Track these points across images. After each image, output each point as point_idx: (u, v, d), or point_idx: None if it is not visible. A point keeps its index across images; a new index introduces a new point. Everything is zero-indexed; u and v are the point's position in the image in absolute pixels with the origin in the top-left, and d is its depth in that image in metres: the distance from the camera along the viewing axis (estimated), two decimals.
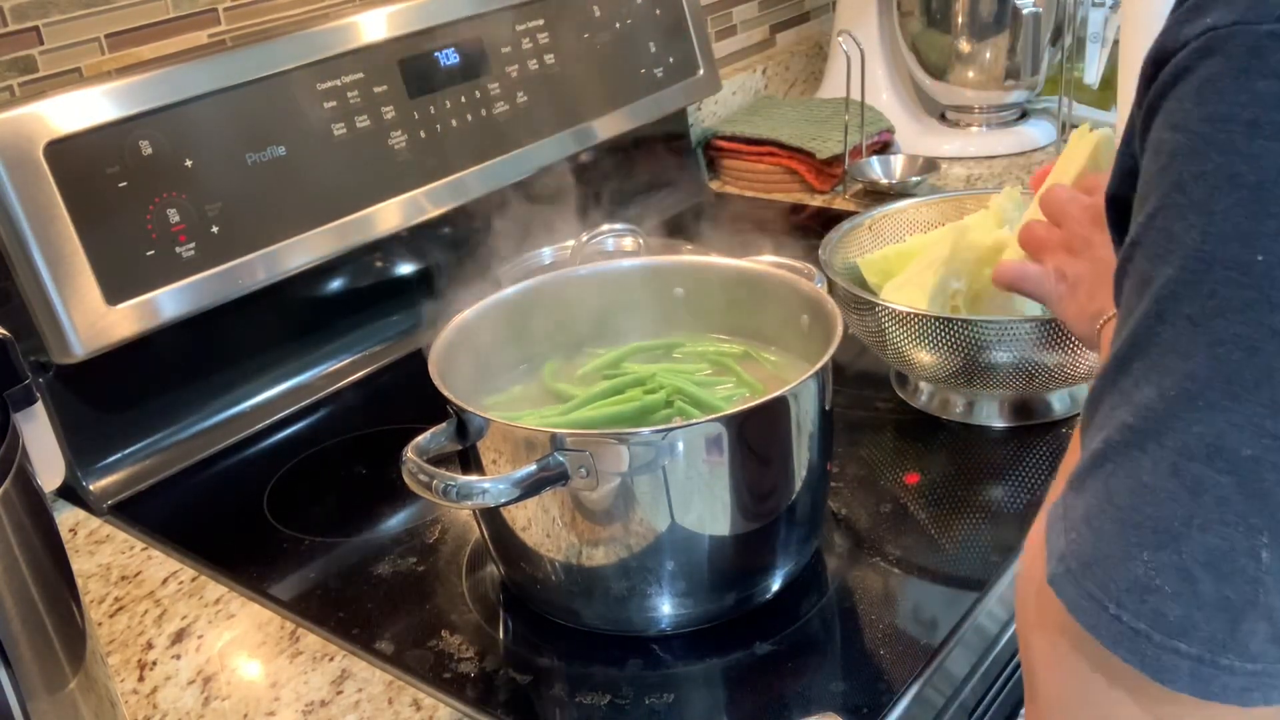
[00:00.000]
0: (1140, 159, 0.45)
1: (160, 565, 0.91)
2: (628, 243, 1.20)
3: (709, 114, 1.66)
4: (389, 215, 1.12)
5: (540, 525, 0.75)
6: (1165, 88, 0.43)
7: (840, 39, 1.56)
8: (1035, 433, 0.97)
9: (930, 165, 1.50)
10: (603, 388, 0.84)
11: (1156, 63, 0.44)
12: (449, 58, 1.18)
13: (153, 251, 0.96)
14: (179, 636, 0.83)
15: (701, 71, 1.47)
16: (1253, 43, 0.39)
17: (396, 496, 0.93)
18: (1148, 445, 0.41)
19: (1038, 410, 0.98)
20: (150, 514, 0.97)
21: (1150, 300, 0.42)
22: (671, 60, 1.43)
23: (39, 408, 0.59)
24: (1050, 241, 0.82)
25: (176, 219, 0.97)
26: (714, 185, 1.61)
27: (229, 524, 0.96)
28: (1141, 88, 0.45)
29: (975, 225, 0.97)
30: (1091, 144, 0.87)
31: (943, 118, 1.69)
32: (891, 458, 0.96)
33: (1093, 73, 1.49)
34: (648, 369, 0.87)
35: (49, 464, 0.61)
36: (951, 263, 0.94)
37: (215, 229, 0.99)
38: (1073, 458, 0.49)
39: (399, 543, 0.90)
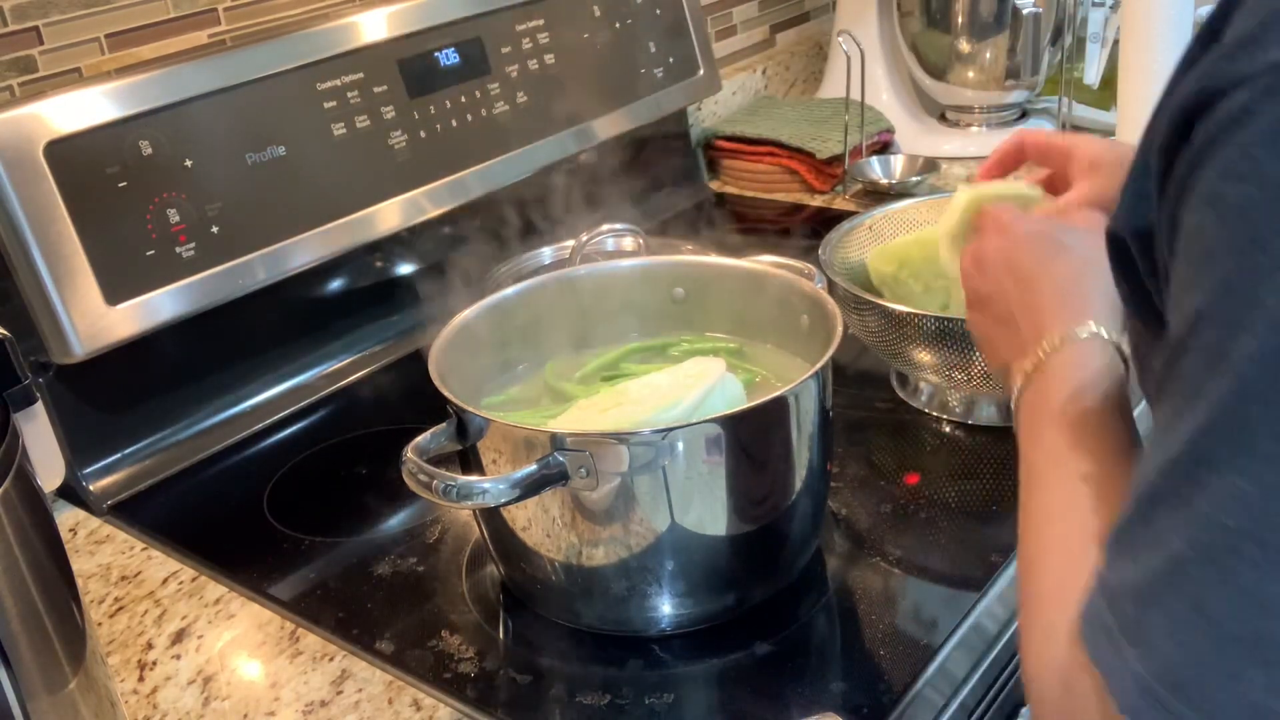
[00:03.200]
0: (1170, 212, 0.41)
1: (160, 565, 0.91)
2: (628, 243, 1.20)
3: (709, 114, 1.66)
4: (389, 215, 1.12)
5: (540, 525, 0.75)
6: (1219, 134, 0.38)
7: (840, 39, 1.56)
8: None
9: (930, 165, 1.50)
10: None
11: (1196, 108, 0.39)
12: (449, 58, 1.18)
13: (153, 251, 0.96)
14: (179, 636, 0.83)
15: (701, 71, 1.47)
16: None
17: (396, 496, 0.93)
18: (1244, 549, 0.36)
19: None
20: (150, 514, 0.97)
21: (1233, 379, 0.36)
22: (671, 60, 1.43)
23: (39, 408, 0.59)
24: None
25: (176, 219, 0.97)
26: (714, 185, 1.61)
27: (229, 524, 0.96)
28: (1168, 134, 0.41)
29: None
30: (962, 205, 0.82)
31: (943, 118, 1.69)
32: (891, 458, 0.96)
33: (1093, 73, 1.49)
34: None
35: (49, 464, 0.61)
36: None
37: (215, 229, 0.99)
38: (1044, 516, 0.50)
39: (399, 543, 0.90)
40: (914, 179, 1.49)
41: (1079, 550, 0.48)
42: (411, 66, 1.14)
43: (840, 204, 1.51)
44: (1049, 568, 0.50)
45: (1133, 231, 0.45)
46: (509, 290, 0.90)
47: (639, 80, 1.39)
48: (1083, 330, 0.58)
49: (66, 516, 0.97)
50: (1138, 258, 0.45)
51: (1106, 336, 0.57)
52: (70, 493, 0.98)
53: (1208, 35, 0.41)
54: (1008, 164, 0.87)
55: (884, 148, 1.59)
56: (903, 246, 1.01)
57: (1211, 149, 0.38)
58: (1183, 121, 0.40)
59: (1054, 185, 0.83)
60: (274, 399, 1.11)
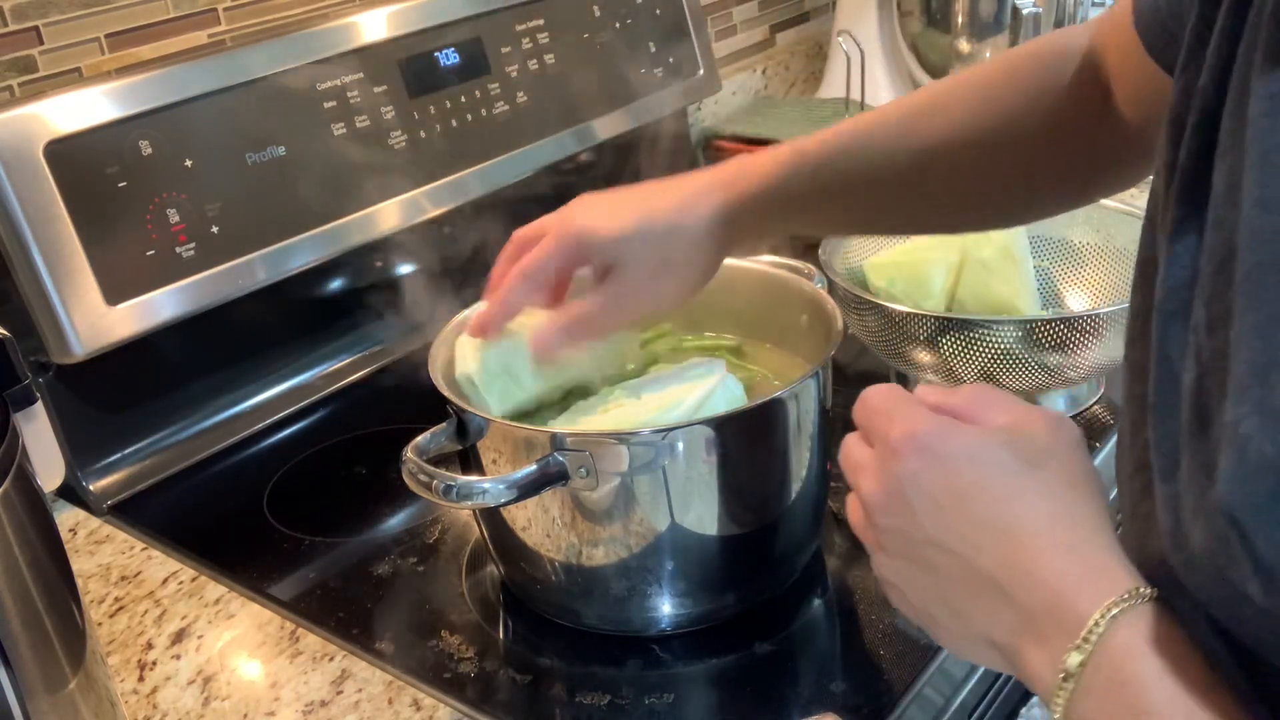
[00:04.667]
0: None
1: (160, 565, 0.91)
2: None
3: (709, 114, 1.66)
4: (389, 215, 1.12)
5: (540, 525, 0.75)
6: None
7: (840, 39, 1.56)
8: None
9: None
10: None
11: None
12: (449, 58, 1.18)
13: (153, 251, 0.96)
14: (179, 636, 0.83)
15: (701, 71, 1.47)
16: None
17: (396, 496, 0.93)
18: None
19: None
20: (150, 514, 0.97)
21: None
22: (671, 60, 1.43)
23: (39, 408, 0.59)
24: (863, 533, 0.53)
25: (176, 219, 0.97)
26: None
27: (229, 524, 0.96)
28: None
29: (976, 234, 0.97)
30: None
31: None
32: None
33: None
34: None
35: (49, 464, 0.61)
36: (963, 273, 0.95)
37: (215, 229, 0.99)
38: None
39: (399, 543, 0.90)
40: None
41: None
42: (411, 66, 1.14)
43: None
44: None
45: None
46: None
47: (639, 80, 1.39)
48: (1127, 589, 0.43)
49: (66, 516, 0.97)
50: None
51: (1150, 593, 0.43)
52: (70, 493, 0.98)
53: None
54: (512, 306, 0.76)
55: None
56: (892, 260, 1.01)
57: None
58: None
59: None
60: (274, 399, 1.11)
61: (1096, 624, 0.42)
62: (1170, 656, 0.42)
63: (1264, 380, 0.37)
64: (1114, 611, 0.42)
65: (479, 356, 0.78)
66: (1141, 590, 0.43)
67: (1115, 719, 0.42)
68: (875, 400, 0.51)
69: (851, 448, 0.52)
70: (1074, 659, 0.43)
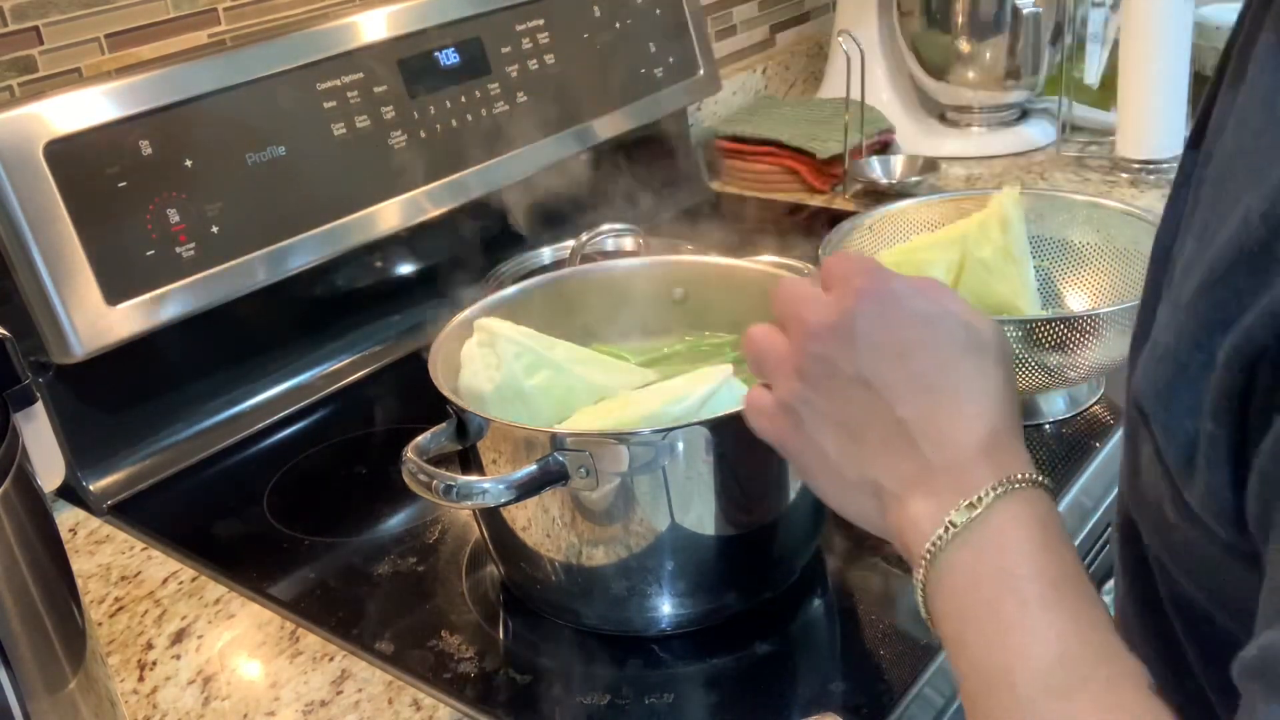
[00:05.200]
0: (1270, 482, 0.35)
1: (160, 565, 0.91)
2: (628, 243, 1.21)
3: (709, 114, 1.66)
4: (389, 215, 1.12)
5: (540, 525, 0.75)
6: None
7: (840, 39, 1.56)
8: (1035, 433, 0.97)
9: (930, 165, 1.50)
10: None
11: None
12: (449, 58, 1.18)
13: (153, 251, 0.96)
14: (179, 636, 0.83)
15: (701, 71, 1.47)
16: None
17: (396, 496, 0.93)
18: None
19: (1038, 410, 0.98)
20: (150, 514, 0.97)
21: None
22: (671, 60, 1.43)
23: (39, 408, 0.59)
24: (776, 358, 0.54)
25: (176, 219, 0.97)
26: (714, 185, 1.61)
27: (229, 524, 0.96)
28: (1232, 375, 0.35)
29: (976, 233, 0.97)
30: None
31: (943, 118, 1.69)
32: None
33: (1093, 73, 1.49)
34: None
35: (49, 464, 0.61)
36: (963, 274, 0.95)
37: (215, 229, 0.99)
38: None
39: (399, 543, 0.90)
40: (914, 179, 1.49)
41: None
42: (411, 66, 1.15)
43: (840, 204, 1.51)
44: None
45: (1177, 445, 0.38)
46: (509, 290, 0.90)
47: (639, 80, 1.39)
48: (1026, 473, 0.46)
49: (66, 516, 0.97)
50: (1174, 462, 0.39)
51: (1045, 483, 0.47)
52: (70, 493, 0.98)
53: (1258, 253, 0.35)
54: None
55: (884, 148, 1.59)
56: (892, 261, 1.01)
57: None
58: (1253, 359, 0.34)
59: None
60: (274, 399, 1.11)
61: (993, 488, 0.45)
62: (1050, 540, 0.45)
63: (1182, 276, 0.39)
64: (1011, 486, 0.46)
65: (494, 379, 0.78)
66: (1038, 478, 0.46)
67: (981, 570, 0.45)
68: (842, 259, 0.53)
69: (756, 337, 0.54)
70: (961, 515, 0.45)
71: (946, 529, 0.46)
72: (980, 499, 0.45)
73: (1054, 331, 0.88)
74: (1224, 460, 0.37)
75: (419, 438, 0.73)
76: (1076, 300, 1.06)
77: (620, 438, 0.70)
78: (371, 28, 1.12)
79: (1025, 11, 1.52)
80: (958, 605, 0.46)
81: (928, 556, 0.46)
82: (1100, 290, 1.04)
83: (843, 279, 0.51)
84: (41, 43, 1.03)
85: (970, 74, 1.60)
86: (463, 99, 1.19)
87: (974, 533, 0.45)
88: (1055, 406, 0.99)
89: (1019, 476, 0.46)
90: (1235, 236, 0.36)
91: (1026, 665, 0.42)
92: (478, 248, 1.27)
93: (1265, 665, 0.33)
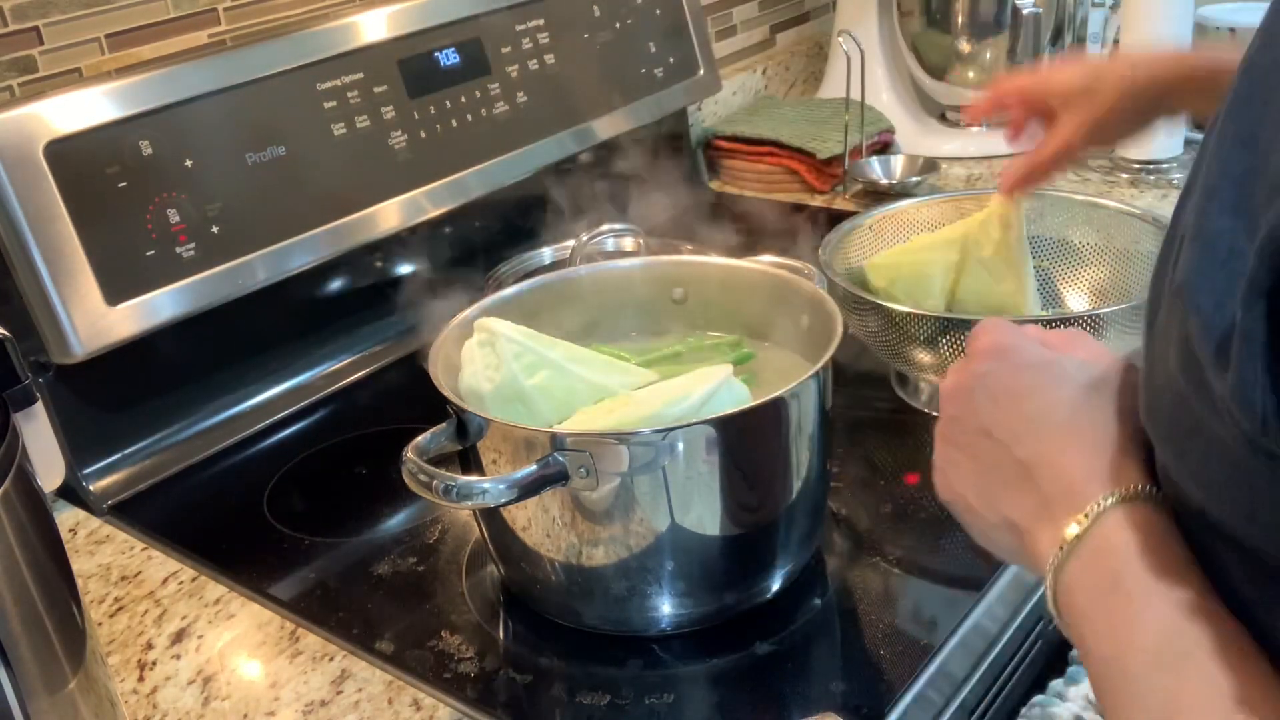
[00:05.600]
0: None
1: (160, 565, 0.91)
2: (628, 243, 1.21)
3: (709, 114, 1.66)
4: (389, 215, 1.12)
5: (540, 525, 0.75)
6: None
7: (840, 39, 1.56)
8: None
9: (930, 165, 1.50)
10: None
11: None
12: (449, 58, 1.18)
13: (153, 251, 0.96)
14: (179, 636, 0.83)
15: (701, 71, 1.47)
16: None
17: (396, 496, 0.93)
18: None
19: None
20: (150, 514, 0.97)
21: None
22: (671, 60, 1.43)
23: (39, 408, 0.59)
24: (952, 371, 0.60)
25: (176, 219, 0.97)
26: (714, 185, 1.61)
27: (229, 524, 0.96)
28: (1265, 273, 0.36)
29: (977, 233, 0.97)
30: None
31: (943, 118, 1.69)
32: (891, 458, 0.96)
33: None
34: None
35: (49, 464, 0.61)
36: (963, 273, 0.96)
37: (215, 229, 0.99)
38: None
39: (399, 543, 0.90)
40: (914, 179, 1.49)
41: None
42: (411, 66, 1.15)
43: (840, 204, 1.51)
44: None
45: (1211, 332, 0.40)
46: (509, 290, 0.90)
47: (639, 80, 1.39)
48: (1134, 485, 0.48)
49: (66, 516, 0.97)
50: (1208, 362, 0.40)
51: (1157, 491, 0.48)
52: (70, 493, 0.98)
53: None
54: (991, 113, 0.96)
55: (884, 148, 1.59)
56: (892, 261, 1.01)
57: None
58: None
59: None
60: (274, 399, 1.11)
61: (1098, 504, 0.48)
62: (1154, 539, 0.46)
63: (1223, 175, 0.41)
64: (1115, 495, 0.48)
65: (494, 379, 0.78)
66: (1147, 489, 0.48)
67: (1093, 581, 0.47)
68: (984, 325, 0.59)
69: (955, 364, 0.60)
70: (1072, 530, 0.48)
71: (1062, 546, 0.48)
72: (1088, 514, 0.48)
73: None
74: (1258, 355, 0.38)
75: (419, 438, 0.73)
76: (1076, 300, 1.06)
77: (620, 438, 0.70)
78: (371, 28, 1.12)
79: (1025, 11, 1.52)
80: (1076, 612, 0.48)
81: (1050, 577, 0.49)
82: (1100, 290, 1.04)
83: (971, 341, 0.58)
84: (41, 43, 1.03)
85: (970, 74, 1.60)
86: (463, 99, 1.19)
87: (1084, 544, 0.48)
88: None
89: (1124, 489, 0.48)
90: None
91: (1133, 647, 0.45)
92: (478, 248, 1.27)
93: None
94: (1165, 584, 0.45)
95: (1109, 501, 0.48)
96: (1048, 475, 0.51)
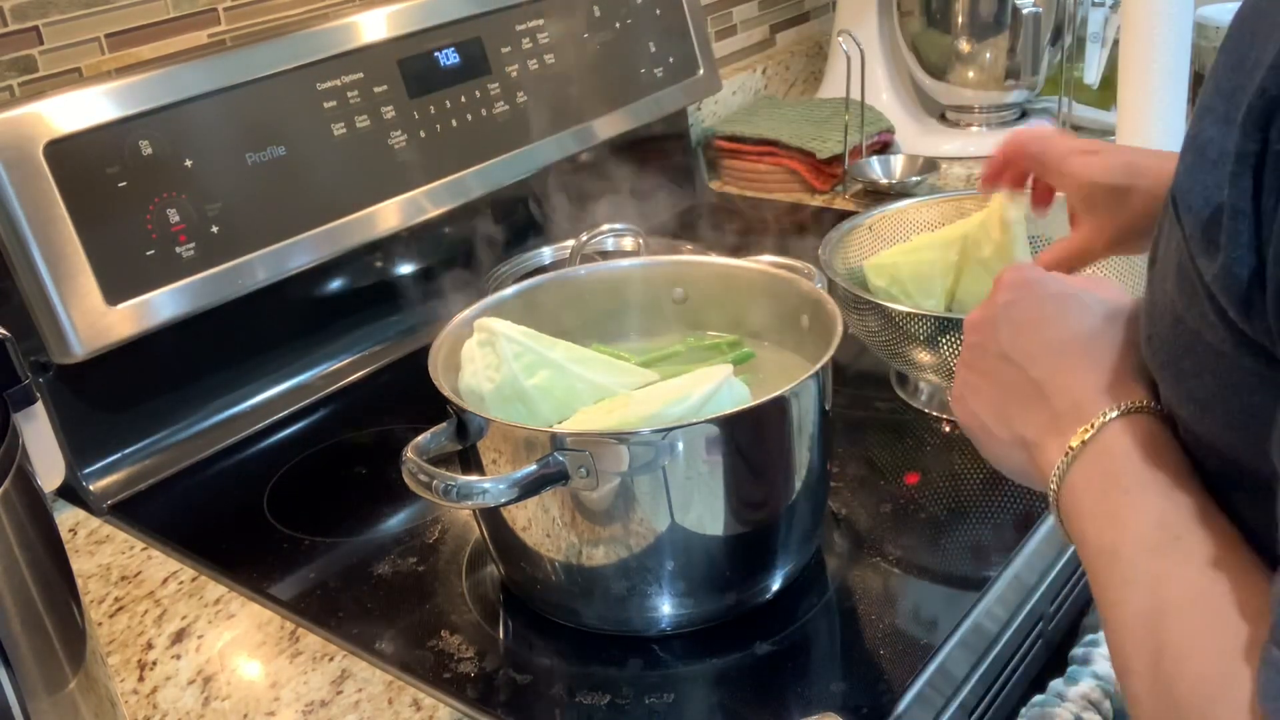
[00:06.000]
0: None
1: (160, 565, 0.91)
2: (628, 243, 1.21)
3: (709, 114, 1.66)
4: (389, 215, 1.12)
5: (540, 525, 0.75)
6: None
7: (840, 39, 1.56)
8: None
9: (930, 165, 1.50)
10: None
11: None
12: (449, 58, 1.18)
13: (153, 251, 0.96)
14: (179, 636, 0.83)
15: (701, 71, 1.47)
16: None
17: (396, 496, 0.93)
18: None
19: None
20: (150, 514, 0.97)
21: None
22: (671, 60, 1.43)
23: (39, 408, 0.59)
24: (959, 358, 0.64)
25: (176, 219, 0.97)
26: (714, 185, 1.61)
27: (229, 524, 0.96)
28: (1250, 134, 0.39)
29: (977, 233, 0.97)
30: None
31: (943, 118, 1.69)
32: (891, 458, 0.96)
33: (1093, 73, 1.49)
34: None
35: (49, 464, 0.61)
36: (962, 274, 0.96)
37: (215, 229, 0.99)
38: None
39: (399, 543, 0.90)
40: (914, 179, 1.49)
41: (1231, 652, 0.42)
42: (411, 66, 1.15)
43: (840, 204, 1.51)
44: (1186, 675, 0.43)
45: (1201, 222, 0.42)
46: (509, 290, 0.90)
47: (639, 80, 1.39)
48: (1137, 399, 0.52)
49: (66, 516, 0.97)
50: (1197, 251, 0.42)
51: (1160, 408, 0.51)
52: (70, 493, 0.98)
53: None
54: (1000, 176, 0.90)
55: (884, 148, 1.59)
56: (892, 261, 1.01)
57: None
58: (1267, 116, 0.38)
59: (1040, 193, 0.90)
60: (274, 399, 1.11)
61: (1104, 413, 0.51)
62: (1153, 445, 0.50)
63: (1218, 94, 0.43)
64: (1119, 408, 0.51)
65: (494, 379, 0.78)
66: (1150, 404, 0.51)
67: (1094, 480, 0.51)
68: (1009, 266, 0.63)
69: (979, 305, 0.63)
70: (1076, 439, 0.52)
71: (1067, 453, 0.52)
72: (1093, 424, 0.52)
73: None
74: (1244, 230, 0.40)
75: (419, 438, 0.73)
76: None
77: (620, 438, 0.70)
78: (371, 28, 1.12)
79: (1025, 11, 1.52)
80: (1077, 510, 0.51)
81: (1055, 481, 0.53)
82: None
83: (997, 279, 0.61)
84: (41, 43, 1.03)
85: (970, 74, 1.60)
86: (463, 99, 1.19)
87: (1088, 449, 0.52)
88: None
89: (1128, 403, 0.52)
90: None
91: (1126, 535, 0.48)
92: (478, 248, 1.27)
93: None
94: (1160, 482, 0.48)
95: (1113, 414, 0.51)
96: (1059, 393, 0.54)
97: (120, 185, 0.94)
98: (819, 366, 0.74)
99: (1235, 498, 0.47)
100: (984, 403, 0.59)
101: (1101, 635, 0.80)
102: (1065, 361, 0.55)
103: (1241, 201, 0.40)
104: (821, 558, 0.84)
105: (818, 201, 1.52)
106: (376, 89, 1.11)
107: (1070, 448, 0.52)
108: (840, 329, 0.79)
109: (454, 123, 1.18)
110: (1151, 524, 0.47)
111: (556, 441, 0.70)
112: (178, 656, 0.81)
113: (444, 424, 0.75)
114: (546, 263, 1.27)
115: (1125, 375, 0.53)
